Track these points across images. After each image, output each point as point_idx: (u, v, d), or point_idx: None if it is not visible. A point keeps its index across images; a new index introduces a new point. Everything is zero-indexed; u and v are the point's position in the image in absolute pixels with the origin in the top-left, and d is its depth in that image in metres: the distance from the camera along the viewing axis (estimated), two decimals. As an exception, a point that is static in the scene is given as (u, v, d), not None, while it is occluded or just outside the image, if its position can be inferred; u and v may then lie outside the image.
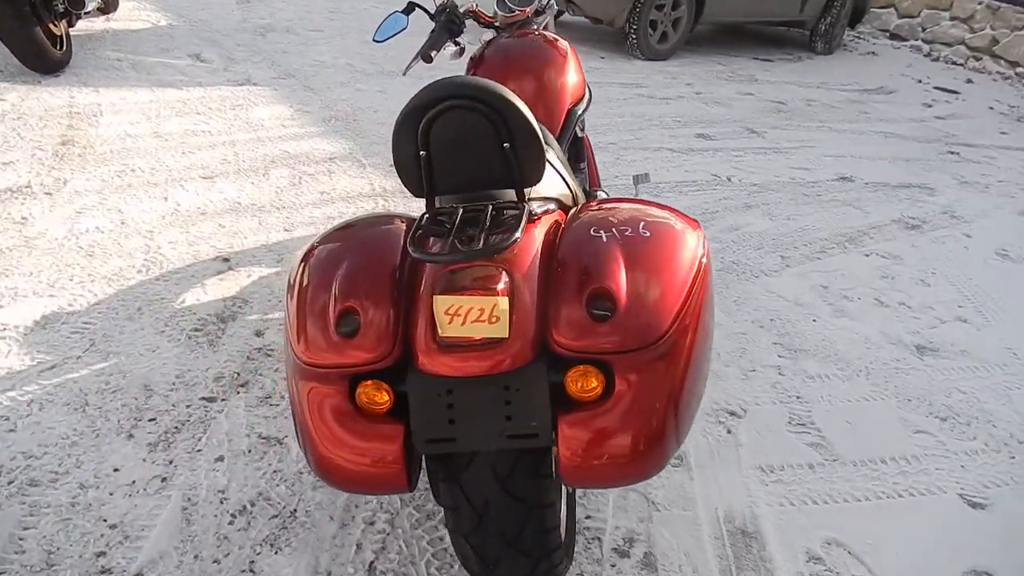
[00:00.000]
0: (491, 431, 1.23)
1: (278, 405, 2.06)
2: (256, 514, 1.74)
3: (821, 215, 3.79)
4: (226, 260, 2.77)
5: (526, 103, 1.32)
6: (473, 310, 1.16)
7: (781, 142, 4.82)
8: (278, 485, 1.82)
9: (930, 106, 6.18)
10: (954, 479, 2.11)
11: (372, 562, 1.67)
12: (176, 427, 1.97)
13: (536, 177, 1.33)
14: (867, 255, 3.43)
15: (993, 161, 4.95)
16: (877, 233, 3.67)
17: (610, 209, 1.42)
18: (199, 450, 1.90)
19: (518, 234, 1.21)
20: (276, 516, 1.74)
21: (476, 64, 2.25)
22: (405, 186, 1.34)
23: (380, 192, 3.42)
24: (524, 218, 1.25)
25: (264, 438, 1.95)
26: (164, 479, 1.81)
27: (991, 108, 6.35)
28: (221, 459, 1.88)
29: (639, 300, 1.22)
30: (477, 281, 1.20)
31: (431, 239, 1.28)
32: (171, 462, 1.86)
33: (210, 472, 1.84)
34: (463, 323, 1.16)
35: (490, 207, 1.29)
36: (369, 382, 1.22)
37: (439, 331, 1.17)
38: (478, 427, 1.23)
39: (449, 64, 2.28)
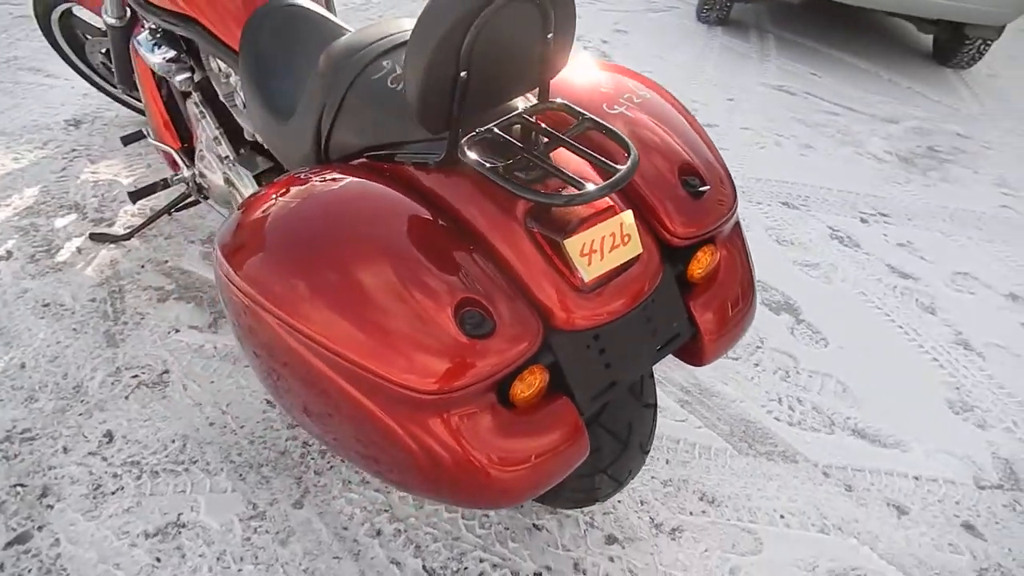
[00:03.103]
0: (644, 354, 1.10)
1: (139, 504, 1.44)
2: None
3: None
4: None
5: None
6: (606, 238, 1.01)
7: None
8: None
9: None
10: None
11: (423, 567, 1.33)
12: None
13: (563, 63, 1.10)
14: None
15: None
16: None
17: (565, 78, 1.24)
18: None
19: (626, 137, 1.02)
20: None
21: None
22: (422, 123, 1.00)
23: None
24: (595, 116, 1.05)
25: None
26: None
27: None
28: None
29: (710, 165, 1.19)
30: (591, 204, 1.02)
31: (524, 175, 1.01)
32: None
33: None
34: (601, 257, 1.01)
35: (532, 116, 1.05)
36: (523, 374, 0.98)
37: (584, 276, 1.00)
38: (633, 357, 1.09)
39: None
